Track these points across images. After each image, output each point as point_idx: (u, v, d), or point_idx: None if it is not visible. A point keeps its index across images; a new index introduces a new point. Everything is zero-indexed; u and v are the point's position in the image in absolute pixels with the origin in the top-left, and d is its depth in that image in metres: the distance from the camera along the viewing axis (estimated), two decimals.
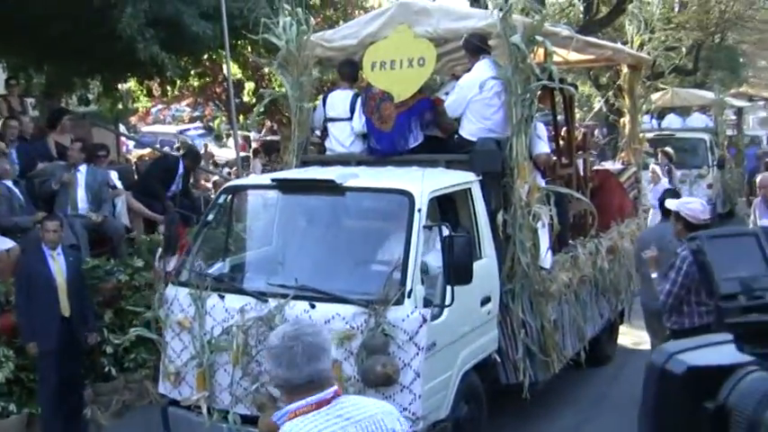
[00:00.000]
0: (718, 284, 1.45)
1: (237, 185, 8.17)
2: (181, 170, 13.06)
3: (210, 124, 33.07)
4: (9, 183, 10.32)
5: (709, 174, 20.92)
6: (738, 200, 22.71)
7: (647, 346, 9.47)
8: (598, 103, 18.04)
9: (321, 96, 9.03)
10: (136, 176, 14.87)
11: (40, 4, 11.90)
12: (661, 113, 24.33)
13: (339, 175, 7.11)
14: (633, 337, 11.27)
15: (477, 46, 7.98)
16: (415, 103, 8.27)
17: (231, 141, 24.31)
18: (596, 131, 31.69)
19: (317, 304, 6.51)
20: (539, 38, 7.68)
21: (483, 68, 7.92)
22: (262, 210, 8.39)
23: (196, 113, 35.28)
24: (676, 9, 36.42)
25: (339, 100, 8.67)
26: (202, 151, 24.67)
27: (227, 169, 21.33)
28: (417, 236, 6.59)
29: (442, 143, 8.50)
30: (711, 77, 38.05)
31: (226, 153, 27.23)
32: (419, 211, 6.65)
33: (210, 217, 7.67)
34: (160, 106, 33.04)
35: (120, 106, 20.73)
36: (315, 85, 8.99)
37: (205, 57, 16.61)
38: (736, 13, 37.28)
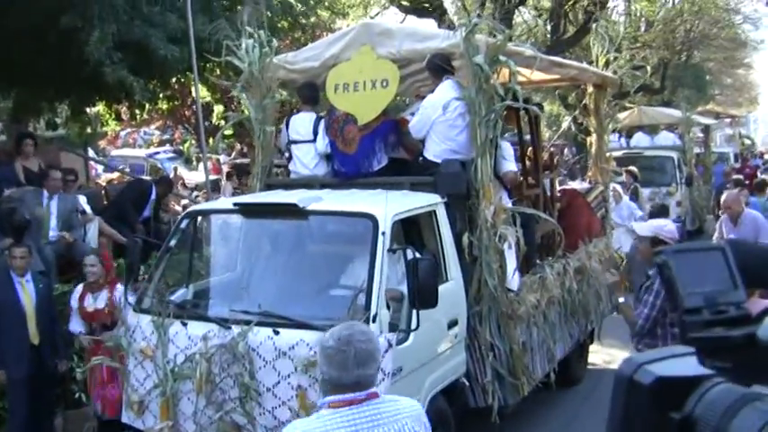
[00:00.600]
0: (683, 298, 1.45)
1: (199, 210, 8.02)
2: (153, 196, 13.01)
3: (180, 147, 32.83)
4: None
5: (678, 191, 20.97)
6: (707, 217, 22.80)
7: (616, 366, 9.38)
8: (566, 123, 18.00)
9: (285, 119, 8.91)
10: (105, 201, 14.69)
11: (5, 28, 11.77)
12: (629, 132, 24.48)
13: (301, 199, 6.98)
14: (604, 356, 11.19)
15: (440, 66, 7.89)
16: (378, 125, 8.17)
17: (201, 164, 24.21)
18: (566, 150, 31.81)
19: (280, 330, 6.36)
20: (502, 58, 7.59)
21: (446, 89, 7.83)
22: (225, 234, 8.23)
23: (165, 136, 35.06)
24: (642, 28, 36.68)
25: (301, 123, 8.55)
26: (172, 174, 24.50)
27: (196, 192, 21.16)
28: (381, 259, 6.46)
29: (407, 165, 8.40)
30: (678, 96, 38.36)
31: (196, 176, 27.00)
32: (383, 234, 6.54)
33: (173, 242, 7.51)
34: (129, 130, 32.80)
35: (89, 130, 20.37)
36: (278, 108, 8.86)
37: (174, 80, 16.43)
38: (702, 31, 37.64)
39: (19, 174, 11.93)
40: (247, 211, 7.52)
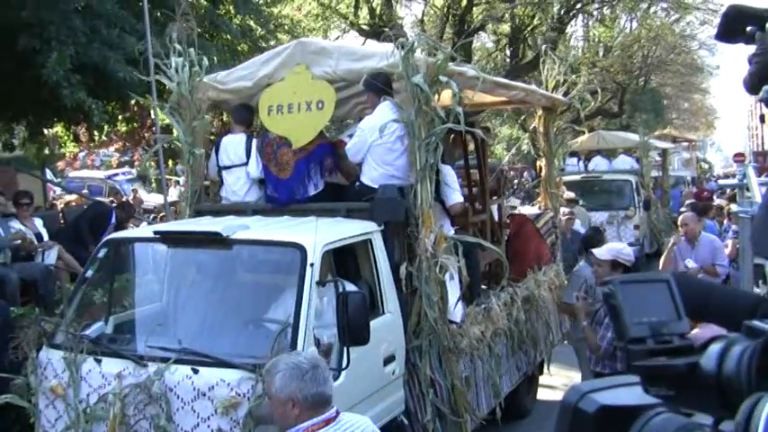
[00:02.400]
0: (628, 327, 1.45)
1: (118, 238, 7.33)
2: (113, 221, 12.68)
3: (139, 169, 32.13)
4: None
5: (636, 215, 20.85)
6: (665, 240, 22.56)
7: None
8: (526, 146, 17.63)
9: (215, 142, 8.30)
10: (62, 222, 14.34)
11: None
12: (587, 156, 24.37)
13: (226, 227, 6.38)
14: (554, 387, 10.65)
15: (376, 86, 7.34)
16: (314, 148, 7.59)
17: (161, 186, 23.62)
18: (525, 174, 31.52)
19: (200, 369, 5.75)
20: (443, 78, 7.03)
21: (384, 111, 7.28)
22: (147, 265, 7.58)
23: (125, 158, 34.34)
24: (601, 53, 36.59)
25: (232, 145, 7.93)
26: (131, 196, 23.86)
27: (152, 215, 20.50)
28: (309, 292, 5.88)
29: (344, 190, 7.83)
30: (636, 120, 38.26)
31: (155, 198, 26.32)
32: (311, 265, 5.95)
33: (89, 273, 6.88)
34: (87, 151, 32.09)
35: (47, 151, 19.91)
36: (209, 131, 8.24)
37: (132, 102, 15.95)
38: (659, 57, 37.72)
39: None
40: (169, 240, 6.89)
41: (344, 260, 6.79)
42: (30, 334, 6.53)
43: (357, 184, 7.53)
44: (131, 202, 22.98)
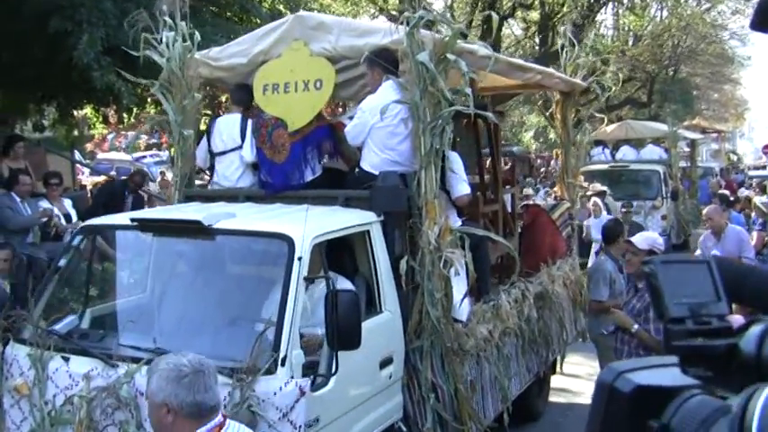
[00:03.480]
0: (668, 308, 1.42)
1: (94, 225, 6.60)
2: (129, 198, 12.57)
3: (168, 152, 31.67)
4: None
5: (664, 205, 20.31)
6: (693, 231, 21.93)
7: (583, 399, 8.15)
8: (554, 134, 16.99)
9: (207, 126, 7.59)
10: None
11: None
12: (615, 145, 23.76)
13: (209, 216, 5.67)
14: (568, 388, 9.91)
15: (379, 64, 6.62)
16: (311, 130, 6.88)
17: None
18: (552, 162, 30.64)
19: None
20: (450, 56, 6.27)
21: (386, 91, 6.55)
22: (124, 255, 6.88)
23: (153, 140, 33.83)
24: (630, 42, 35.64)
25: (227, 127, 7.24)
26: (159, 179, 23.35)
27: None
28: (296, 290, 5.18)
29: (344, 177, 7.13)
30: (665, 110, 37.18)
31: None
32: (299, 259, 5.25)
33: (63, 262, 6.20)
34: (116, 134, 31.67)
35: (76, 133, 19.65)
36: (200, 110, 7.50)
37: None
38: (689, 47, 36.71)
39: (4, 175, 11.38)
40: (148, 228, 6.19)
41: (339, 253, 6.10)
42: None
43: (357, 170, 6.83)
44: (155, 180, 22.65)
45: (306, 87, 6.80)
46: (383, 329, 5.99)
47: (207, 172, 7.60)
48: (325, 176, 7.04)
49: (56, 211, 10.70)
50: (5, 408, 5.73)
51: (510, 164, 13.73)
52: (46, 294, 6.05)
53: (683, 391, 1.33)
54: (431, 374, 6.26)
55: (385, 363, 5.99)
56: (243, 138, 7.07)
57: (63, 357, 5.53)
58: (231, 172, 7.15)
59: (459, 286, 6.55)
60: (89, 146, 30.52)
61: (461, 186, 6.91)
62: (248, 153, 7.04)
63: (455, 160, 6.85)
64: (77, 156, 23.68)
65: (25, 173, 11.17)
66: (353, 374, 5.49)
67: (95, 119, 19.60)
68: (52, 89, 14.28)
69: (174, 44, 7.12)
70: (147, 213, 6.57)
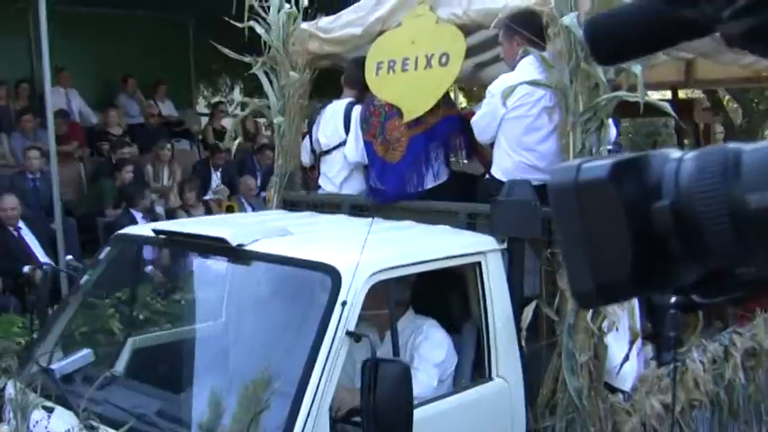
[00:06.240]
0: None
1: (127, 235, 4.91)
2: None
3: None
4: None
5: None
6: None
7: None
8: None
9: (314, 115, 5.70)
10: None
11: None
12: None
13: (243, 232, 3.90)
14: None
15: (517, 33, 4.56)
16: (437, 121, 4.89)
17: None
18: None
19: None
20: None
21: (524, 69, 4.48)
22: (149, 276, 5.24)
23: None
24: None
25: (333, 116, 5.38)
26: None
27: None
28: (331, 346, 3.33)
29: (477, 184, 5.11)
30: None
31: None
32: (343, 304, 3.39)
33: (85, 279, 4.61)
34: None
35: None
36: (304, 93, 5.63)
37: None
38: None
39: None
40: (175, 244, 4.45)
41: (434, 292, 4.17)
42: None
43: (486, 176, 4.81)
44: None
45: (428, 64, 4.85)
46: (492, 403, 4.01)
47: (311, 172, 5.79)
48: (454, 183, 5.07)
49: None
50: None
51: None
52: (60, 321, 4.50)
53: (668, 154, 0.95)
54: None
55: None
56: (347, 130, 5.23)
57: (45, 408, 3.96)
58: (334, 173, 5.32)
59: (619, 343, 4.42)
60: None
61: None
62: (351, 150, 5.17)
63: None
64: None
65: None
66: None
67: None
68: None
69: (278, 12, 5.39)
70: (172, 225, 4.81)
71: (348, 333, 3.37)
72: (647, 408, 4.60)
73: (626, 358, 4.40)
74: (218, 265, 4.35)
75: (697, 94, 10.01)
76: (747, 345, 5.52)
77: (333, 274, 3.49)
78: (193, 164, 12.44)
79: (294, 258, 3.72)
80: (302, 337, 3.54)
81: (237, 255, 3.87)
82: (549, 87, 4.32)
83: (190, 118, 14.85)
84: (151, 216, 8.99)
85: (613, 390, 4.51)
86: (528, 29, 4.48)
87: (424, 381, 3.82)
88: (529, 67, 4.45)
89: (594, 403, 4.25)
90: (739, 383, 5.38)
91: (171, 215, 9.42)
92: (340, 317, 3.37)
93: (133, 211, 9.15)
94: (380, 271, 3.57)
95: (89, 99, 13.01)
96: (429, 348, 3.97)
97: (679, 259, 0.92)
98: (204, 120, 15.06)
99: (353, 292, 3.43)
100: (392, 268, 3.65)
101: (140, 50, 13.23)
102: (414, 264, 3.79)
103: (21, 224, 8.35)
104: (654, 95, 8.47)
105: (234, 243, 3.78)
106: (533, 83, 4.30)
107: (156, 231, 4.25)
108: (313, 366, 3.30)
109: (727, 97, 17.51)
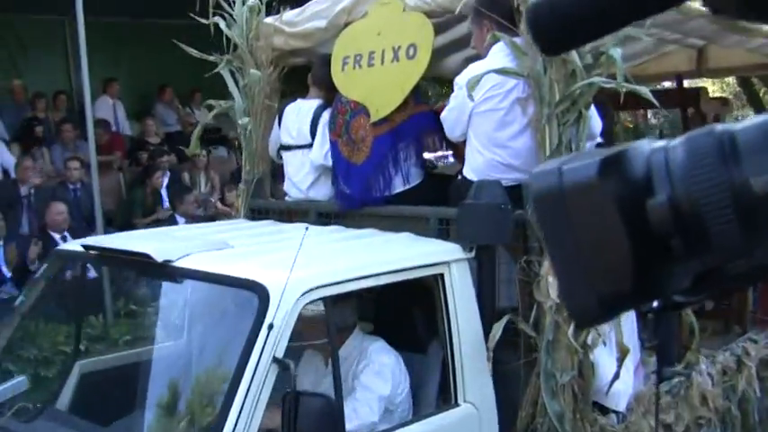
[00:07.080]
0: None
1: (66, 251, 4.39)
2: None
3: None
4: None
5: None
6: None
7: None
8: None
9: (278, 111, 5.22)
10: None
11: None
12: None
13: (170, 248, 3.45)
14: None
15: (489, 19, 4.05)
16: (404, 119, 4.40)
17: None
18: None
19: None
20: None
21: (495, 57, 3.97)
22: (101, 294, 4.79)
23: None
24: None
25: (298, 116, 4.88)
26: None
27: None
28: (255, 373, 2.88)
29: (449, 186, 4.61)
30: None
31: None
32: (270, 327, 2.93)
33: (23, 298, 4.18)
34: None
35: None
36: (270, 91, 5.14)
37: None
38: None
39: None
40: (105, 260, 3.98)
41: (394, 308, 3.69)
42: None
43: (459, 176, 4.31)
44: None
45: (395, 57, 4.36)
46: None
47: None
48: (428, 185, 4.58)
49: None
50: None
51: None
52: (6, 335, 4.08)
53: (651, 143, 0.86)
54: None
55: None
56: (313, 134, 4.75)
57: None
58: (300, 178, 4.84)
59: (608, 358, 3.90)
60: None
61: None
62: (316, 152, 4.69)
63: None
64: None
65: None
66: None
67: None
68: None
69: (241, 8, 4.93)
70: (99, 240, 4.34)
71: (275, 359, 2.91)
72: (645, 429, 4.08)
73: (616, 376, 3.87)
74: (147, 283, 3.92)
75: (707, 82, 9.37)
76: (763, 353, 4.94)
77: (260, 293, 3.03)
78: (231, 171, 12.16)
79: (221, 275, 3.26)
80: (226, 362, 3.10)
81: (164, 271, 3.42)
82: (520, 76, 3.81)
83: (227, 125, 14.66)
84: (194, 221, 8.83)
85: (606, 410, 3.99)
86: (497, 11, 3.97)
87: (364, 413, 3.35)
88: (499, 54, 3.94)
89: (581, 427, 3.74)
90: (754, 396, 4.82)
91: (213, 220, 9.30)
92: (265, 341, 2.92)
93: (177, 216, 9.02)
94: (315, 288, 3.10)
95: (126, 109, 12.84)
96: (371, 376, 3.48)
97: (681, 259, 0.84)
98: None
99: (283, 313, 2.97)
100: (330, 285, 3.17)
101: (176, 59, 12.96)
102: (357, 279, 3.30)
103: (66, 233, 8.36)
104: (666, 86, 7.91)
105: (159, 259, 3.34)
106: (502, 71, 3.79)
107: (86, 247, 3.82)
108: (234, 395, 2.86)
109: (763, 89, 16.73)
